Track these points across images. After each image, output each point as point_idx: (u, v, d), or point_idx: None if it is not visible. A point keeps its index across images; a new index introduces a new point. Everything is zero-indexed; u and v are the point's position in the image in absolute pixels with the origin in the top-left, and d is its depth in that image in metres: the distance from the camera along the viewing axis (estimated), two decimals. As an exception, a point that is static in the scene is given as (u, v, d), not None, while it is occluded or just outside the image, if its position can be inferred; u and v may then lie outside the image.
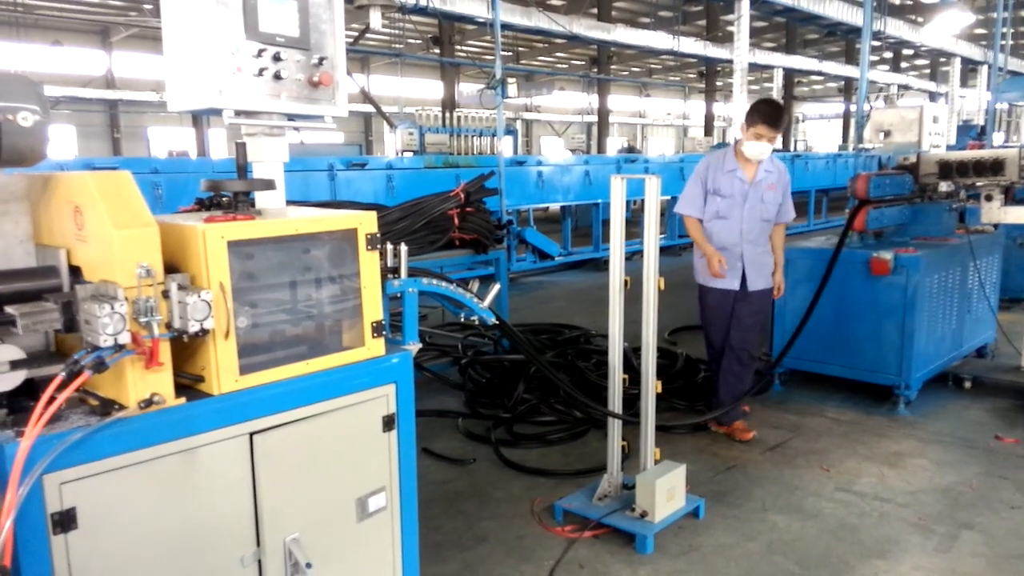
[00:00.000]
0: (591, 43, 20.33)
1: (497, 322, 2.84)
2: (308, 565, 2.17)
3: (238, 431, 2.06)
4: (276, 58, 2.34)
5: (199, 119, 21.94)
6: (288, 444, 2.18)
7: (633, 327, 3.75)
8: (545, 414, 5.17)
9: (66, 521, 1.77)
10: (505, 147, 14.29)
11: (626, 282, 3.74)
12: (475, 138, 13.48)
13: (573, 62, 35.80)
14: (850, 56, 27.21)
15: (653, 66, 37.99)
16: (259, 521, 2.13)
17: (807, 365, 5.71)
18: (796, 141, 33.81)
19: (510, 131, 14.04)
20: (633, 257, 6.37)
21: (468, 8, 13.71)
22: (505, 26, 14.14)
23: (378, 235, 2.35)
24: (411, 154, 12.95)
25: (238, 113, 2.37)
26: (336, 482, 2.32)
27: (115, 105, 27.33)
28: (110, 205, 1.83)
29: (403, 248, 2.59)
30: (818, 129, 40.73)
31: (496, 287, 2.84)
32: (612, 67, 31.09)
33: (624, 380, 3.81)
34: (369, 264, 2.34)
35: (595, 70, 28.07)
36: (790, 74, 27.07)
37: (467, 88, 26.42)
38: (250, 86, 2.29)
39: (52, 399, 1.69)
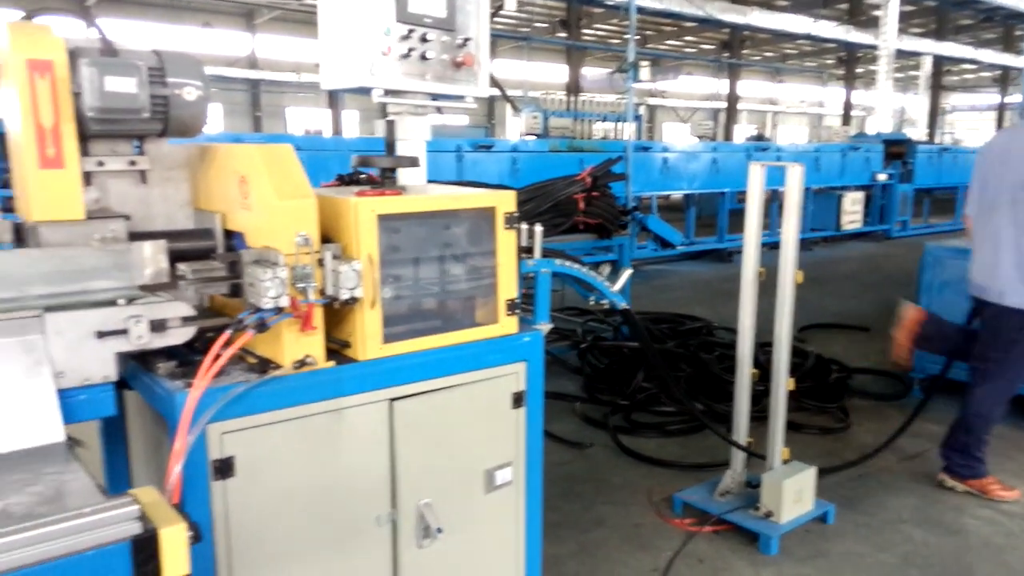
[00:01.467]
0: (724, 27, 19.70)
1: (626, 307, 2.81)
2: (439, 530, 2.24)
3: (380, 396, 2.15)
4: (423, 39, 2.39)
5: (335, 100, 22.91)
6: (424, 412, 2.25)
7: (761, 321, 3.62)
8: (664, 404, 5.09)
9: (225, 468, 1.90)
10: (629, 132, 14.13)
11: (760, 273, 3.61)
12: (599, 123, 13.35)
13: (702, 46, 34.75)
14: (1008, 43, 25.01)
15: (788, 51, 36.30)
16: (395, 483, 2.21)
17: (952, 372, 5.31)
18: (943, 134, 31.48)
19: (635, 116, 13.78)
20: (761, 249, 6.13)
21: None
22: (638, 9, 13.89)
23: (516, 214, 2.38)
24: (533, 138, 13.00)
25: (386, 92, 2.45)
26: (466, 453, 2.38)
27: (257, 85, 28.90)
28: (274, 176, 1.93)
29: (538, 229, 2.60)
30: (967, 121, 37.75)
31: (628, 272, 2.82)
32: (744, 51, 29.96)
33: (754, 375, 3.69)
34: (506, 242, 2.37)
35: (726, 54, 27.17)
36: (939, 62, 25.20)
37: (591, 72, 26.23)
38: (397, 66, 2.36)
39: (218, 355, 1.82)
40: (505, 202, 2.34)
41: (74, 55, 1.84)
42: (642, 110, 32.14)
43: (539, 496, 2.57)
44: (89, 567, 1.25)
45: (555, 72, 29.08)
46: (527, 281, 2.92)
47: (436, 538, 2.26)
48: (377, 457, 2.18)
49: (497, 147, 9.36)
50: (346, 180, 4.00)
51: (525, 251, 2.59)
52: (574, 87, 20.96)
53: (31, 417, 1.61)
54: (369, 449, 2.16)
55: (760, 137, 27.85)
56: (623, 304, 2.76)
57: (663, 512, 3.76)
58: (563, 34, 22.72)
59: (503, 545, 2.53)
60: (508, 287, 2.39)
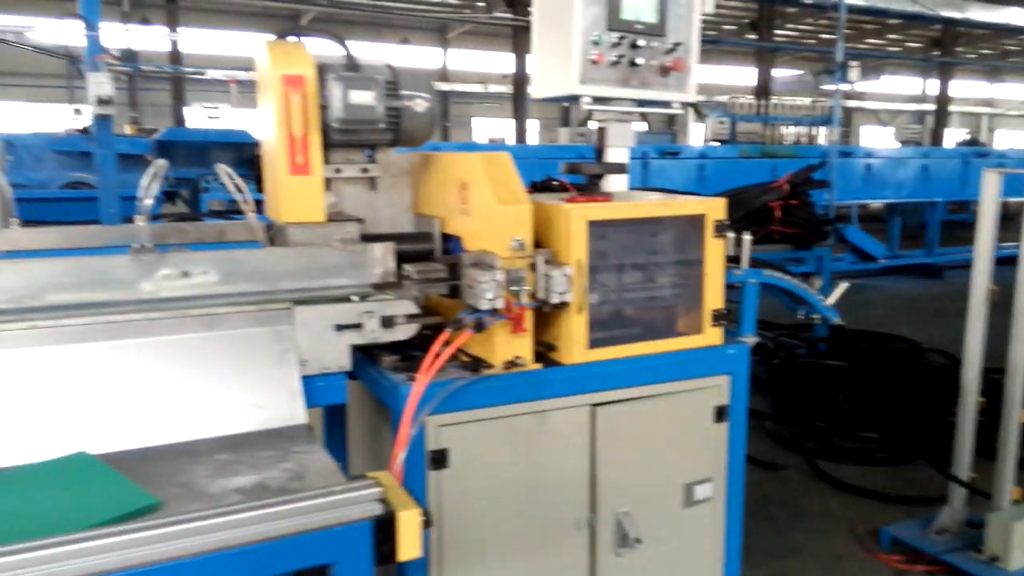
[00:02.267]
0: (937, 23, 18.02)
1: (840, 323, 2.63)
2: (637, 540, 2.22)
3: (583, 401, 2.16)
4: (632, 46, 2.38)
5: (520, 109, 23.50)
6: (625, 420, 2.24)
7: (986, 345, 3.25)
8: (866, 429, 4.72)
9: (440, 459, 2.00)
10: (834, 137, 13.27)
11: (992, 291, 3.25)
12: (791, 127, 12.72)
13: (908, 44, 31.99)
14: None
15: (1009, 47, 32.53)
16: (594, 489, 2.22)
17: None
18: None
19: (832, 120, 12.93)
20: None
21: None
22: (839, 6, 13.06)
23: (726, 222, 2.31)
24: (717, 143, 12.60)
25: (595, 100, 2.46)
26: (665, 465, 2.34)
27: (447, 96, 30.32)
28: (493, 183, 2.01)
29: (746, 238, 2.50)
30: None
31: (844, 285, 2.65)
32: (957, 48, 27.24)
33: (980, 404, 3.33)
34: (714, 251, 2.30)
35: (936, 52, 24.84)
36: None
37: (780, 74, 24.97)
38: (606, 74, 2.36)
39: (438, 352, 1.91)
40: (715, 209, 2.28)
41: (322, 70, 2.01)
42: (838, 112, 30.05)
43: (740, 516, 2.48)
44: (335, 542, 1.37)
45: (742, 75, 28.00)
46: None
47: (634, 548, 2.23)
48: (578, 461, 2.20)
49: (684, 153, 9.16)
50: (538, 187, 4.08)
51: (731, 260, 2.51)
52: (763, 90, 20.09)
53: (279, 400, 1.78)
54: (571, 452, 2.18)
55: (974, 142, 25.20)
56: (837, 320, 2.59)
57: (868, 545, 3.49)
58: (753, 35, 21.83)
59: (700, 563, 2.46)
60: (715, 297, 2.32)
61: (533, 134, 29.33)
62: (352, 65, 2.05)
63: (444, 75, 29.61)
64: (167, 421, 1.65)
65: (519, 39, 19.05)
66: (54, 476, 1.47)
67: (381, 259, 2.03)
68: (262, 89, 2.11)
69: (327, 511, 1.34)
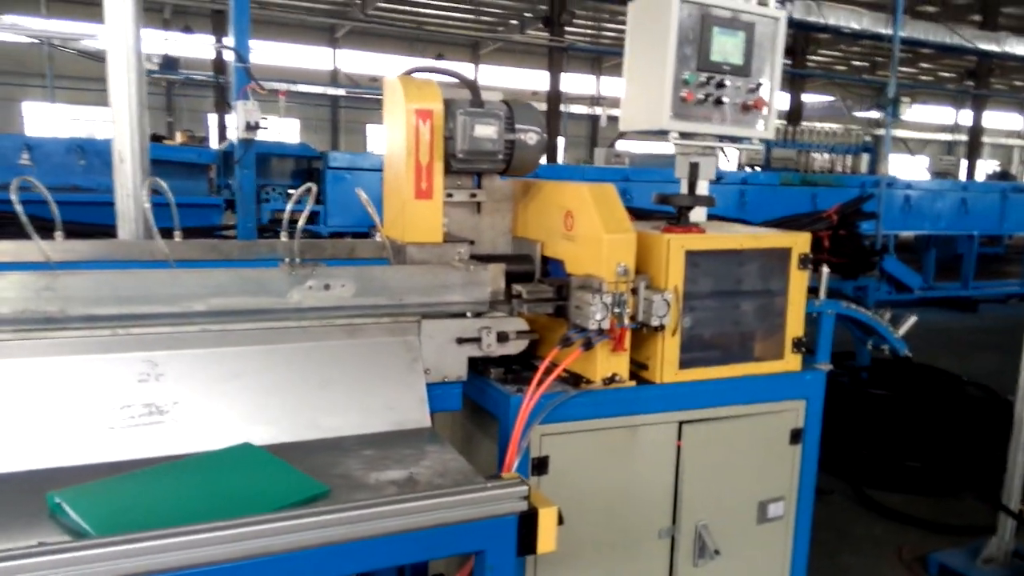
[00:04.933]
0: (971, 54, 18.07)
1: (908, 355, 2.77)
2: (716, 552, 2.36)
3: (671, 418, 2.32)
4: (719, 85, 2.55)
5: (553, 128, 23.69)
6: (708, 438, 2.39)
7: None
8: (910, 458, 4.81)
9: (542, 466, 2.16)
10: (860, 166, 13.32)
11: (1047, 329, 3.37)
12: (824, 154, 12.81)
13: (940, 73, 31.96)
14: None
15: (1045, 79, 32.38)
16: (677, 502, 2.37)
17: None
18: None
19: (867, 148, 13.02)
20: (1009, 300, 5.61)
21: (836, 18, 13.01)
22: (877, 36, 13.19)
23: (810, 256, 2.46)
24: (749, 169, 12.71)
25: (682, 135, 2.63)
26: (743, 482, 2.48)
27: (477, 111, 30.65)
28: (601, 211, 2.18)
29: (825, 270, 2.65)
30: None
31: (913, 318, 2.78)
32: (990, 79, 27.19)
33: (1032, 437, 3.44)
34: (798, 282, 2.46)
35: (970, 82, 24.81)
36: None
37: (811, 99, 25.02)
38: (693, 110, 2.53)
39: (548, 368, 2.08)
40: (800, 243, 2.44)
41: (448, 105, 2.20)
42: (868, 139, 30.09)
43: (807, 534, 2.61)
44: (486, 532, 1.53)
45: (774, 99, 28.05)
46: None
47: (712, 559, 2.38)
48: (663, 475, 2.35)
49: (727, 179, 9.28)
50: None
51: (810, 291, 2.65)
52: (795, 116, 20.18)
53: (409, 404, 1.96)
54: (658, 466, 2.34)
55: (1005, 174, 25.10)
56: (905, 351, 2.73)
57: (916, 572, 3.60)
58: (787, 60, 21.94)
59: (769, 577, 2.59)
60: (796, 325, 2.47)
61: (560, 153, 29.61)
62: (477, 101, 2.23)
63: (476, 91, 29.90)
64: (316, 418, 1.83)
65: (555, 58, 19.28)
66: (228, 464, 1.65)
67: (493, 279, 2.20)
68: (389, 117, 2.29)
69: (481, 505, 1.51)
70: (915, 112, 29.49)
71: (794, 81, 21.49)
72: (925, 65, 30.17)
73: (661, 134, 2.67)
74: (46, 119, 19.61)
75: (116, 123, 2.66)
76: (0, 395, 1.59)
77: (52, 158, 6.46)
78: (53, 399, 1.62)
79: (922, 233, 10.90)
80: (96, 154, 6.40)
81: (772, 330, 2.49)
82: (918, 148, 34.95)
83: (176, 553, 1.31)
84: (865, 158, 13.06)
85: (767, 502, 2.52)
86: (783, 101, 26.25)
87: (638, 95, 2.66)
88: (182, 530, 1.31)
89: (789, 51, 21.62)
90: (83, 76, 19.41)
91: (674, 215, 2.53)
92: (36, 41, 17.73)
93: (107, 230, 2.90)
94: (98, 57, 14.10)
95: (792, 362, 2.49)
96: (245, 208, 5.21)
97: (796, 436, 2.53)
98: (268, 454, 1.68)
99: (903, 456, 4.83)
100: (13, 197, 1.81)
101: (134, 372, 1.71)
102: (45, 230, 2.01)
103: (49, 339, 1.65)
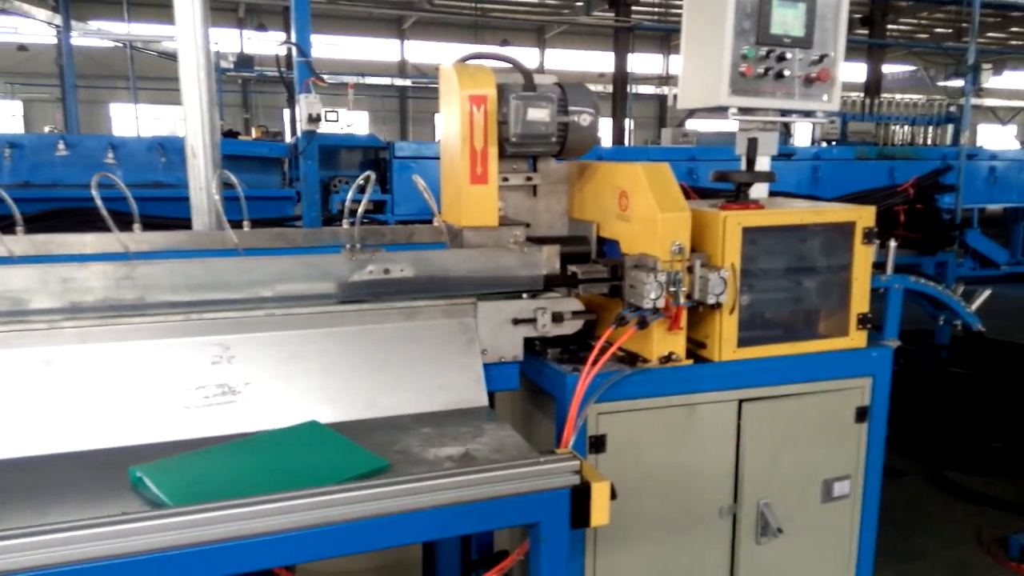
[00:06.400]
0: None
1: (981, 330, 2.67)
2: (780, 531, 2.35)
3: (730, 396, 2.31)
4: (780, 58, 2.48)
5: (620, 109, 23.44)
6: (769, 416, 2.37)
7: None
8: (990, 439, 4.63)
9: (599, 444, 2.19)
10: (938, 137, 12.69)
11: None
12: (905, 126, 12.27)
13: (1034, 37, 30.07)
14: None
15: None
16: (738, 480, 2.36)
17: None
18: None
19: (951, 119, 12.40)
20: None
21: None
22: (956, 0, 12.48)
23: (875, 229, 2.39)
24: (825, 144, 12.28)
25: (741, 110, 2.58)
26: (806, 460, 2.45)
27: (542, 95, 30.54)
28: (656, 191, 2.17)
29: (892, 244, 2.58)
30: None
31: (987, 291, 2.67)
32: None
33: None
34: (862, 257, 2.40)
35: (1066, 45, 23.29)
36: None
37: (891, 70, 23.96)
38: (753, 85, 2.48)
39: (603, 348, 2.10)
40: (865, 217, 2.38)
41: (502, 90, 2.23)
42: (952, 109, 28.60)
43: (875, 514, 2.56)
44: (540, 505, 1.57)
45: (851, 71, 27.00)
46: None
47: (776, 537, 2.36)
48: (724, 453, 2.34)
49: (799, 155, 9.00)
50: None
51: (876, 266, 2.58)
52: (875, 87, 19.38)
53: (466, 384, 2.01)
54: (717, 444, 2.33)
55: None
56: (978, 326, 2.63)
57: (996, 554, 3.47)
58: (864, 31, 21.08)
59: (835, 557, 2.55)
60: (861, 301, 2.41)
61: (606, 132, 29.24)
62: (530, 85, 2.25)
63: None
64: (376, 398, 1.90)
65: (620, 39, 19.05)
66: (295, 441, 1.74)
67: (548, 260, 2.23)
68: (445, 105, 2.34)
69: (535, 479, 1.55)
70: (1005, 79, 27.92)
71: (872, 51, 20.62)
72: (1016, 29, 28.46)
73: (720, 110, 2.63)
74: (131, 120, 20.62)
75: (187, 119, 2.80)
76: (85, 378, 1.71)
77: (135, 156, 6.79)
78: (134, 381, 1.74)
79: (1010, 206, 10.33)
80: (175, 151, 6.69)
81: (836, 306, 2.44)
82: (1008, 116, 33.07)
83: (246, 522, 1.40)
84: (949, 129, 12.46)
85: (832, 480, 2.48)
86: (854, 72, 25.29)
87: (696, 71, 2.62)
88: (251, 500, 1.40)
89: (866, 20, 20.80)
90: (163, 76, 20.27)
91: (734, 192, 2.51)
92: (119, 45, 18.56)
93: (183, 223, 3.05)
94: (176, 58, 14.70)
95: (857, 339, 2.43)
96: (310, 198, 5.38)
97: (862, 414, 2.48)
98: (332, 431, 1.76)
99: (984, 437, 4.64)
100: (94, 193, 1.94)
101: (208, 355, 1.82)
102: (126, 224, 2.15)
103: (129, 325, 1.76)
